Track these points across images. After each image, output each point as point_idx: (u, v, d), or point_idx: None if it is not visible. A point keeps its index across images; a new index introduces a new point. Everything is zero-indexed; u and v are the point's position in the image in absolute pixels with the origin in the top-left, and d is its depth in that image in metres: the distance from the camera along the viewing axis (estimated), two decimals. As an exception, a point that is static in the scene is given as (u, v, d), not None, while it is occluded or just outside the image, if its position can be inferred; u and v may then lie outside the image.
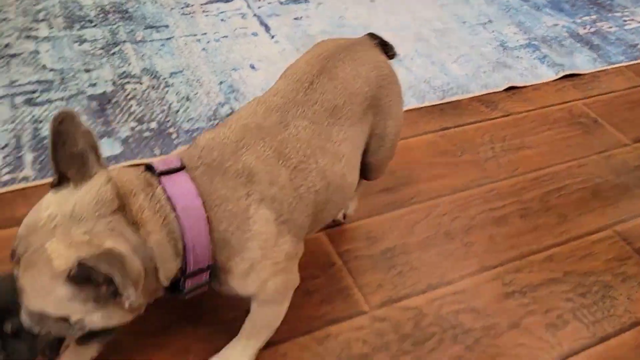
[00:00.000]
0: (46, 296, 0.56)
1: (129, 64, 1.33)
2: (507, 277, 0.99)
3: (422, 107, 1.34)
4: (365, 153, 0.86)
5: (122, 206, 0.58)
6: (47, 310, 0.57)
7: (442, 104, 1.36)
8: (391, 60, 1.49)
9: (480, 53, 1.55)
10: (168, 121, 1.19)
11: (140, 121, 1.18)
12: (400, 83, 0.88)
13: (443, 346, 0.87)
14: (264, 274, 0.68)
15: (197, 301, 0.87)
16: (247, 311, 0.78)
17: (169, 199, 0.61)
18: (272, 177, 0.67)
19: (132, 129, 1.16)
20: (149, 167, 0.65)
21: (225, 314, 0.86)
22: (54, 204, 0.58)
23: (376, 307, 0.91)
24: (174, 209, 0.61)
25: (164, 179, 0.62)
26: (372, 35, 0.87)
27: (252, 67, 1.39)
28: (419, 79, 1.42)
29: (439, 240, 1.04)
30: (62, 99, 1.21)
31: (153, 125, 1.18)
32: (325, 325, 0.88)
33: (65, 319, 0.58)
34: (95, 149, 0.61)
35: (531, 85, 1.46)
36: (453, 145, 1.25)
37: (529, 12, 1.78)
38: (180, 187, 0.62)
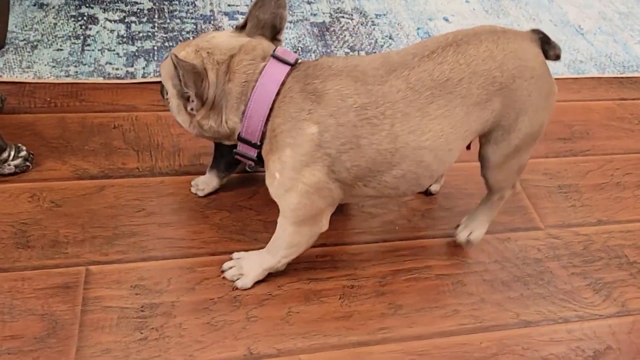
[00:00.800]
0: (166, 71, 0.82)
1: (342, 2, 1.55)
2: (673, 231, 1.08)
3: (602, 77, 1.43)
4: (484, 144, 0.85)
5: (233, 56, 0.77)
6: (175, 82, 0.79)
7: (622, 77, 1.44)
8: (575, 32, 1.55)
9: (664, 39, 1.59)
10: (374, 52, 1.40)
11: (352, 49, 1.40)
12: (552, 85, 0.81)
13: (609, 269, 1.00)
14: (288, 184, 0.77)
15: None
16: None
17: (261, 72, 0.77)
18: (338, 111, 0.74)
19: (346, 54, 1.38)
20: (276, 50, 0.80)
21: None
22: (217, 37, 0.80)
23: (550, 227, 1.06)
24: (256, 80, 0.76)
25: (272, 61, 0.77)
26: (536, 31, 0.82)
27: (446, 19, 1.55)
28: (600, 53, 1.50)
29: (611, 188, 1.15)
30: (290, 22, 1.46)
31: (362, 54, 1.39)
32: (506, 231, 1.04)
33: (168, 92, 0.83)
34: (275, 25, 0.81)
35: None
36: (630, 114, 1.33)
37: None
38: (275, 72, 0.76)
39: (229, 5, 1.49)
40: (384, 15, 1.53)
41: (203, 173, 1.05)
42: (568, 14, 1.64)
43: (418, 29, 1.50)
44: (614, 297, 0.95)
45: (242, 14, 1.45)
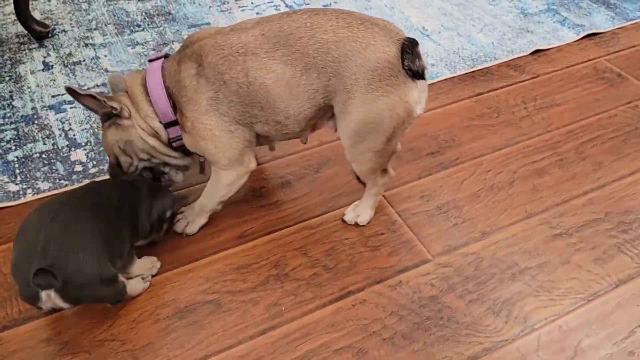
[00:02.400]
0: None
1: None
2: (553, 221, 1.08)
3: (454, 76, 1.43)
4: (334, 123, 0.95)
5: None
6: None
7: (473, 71, 1.45)
8: (421, 35, 1.58)
9: (502, 21, 1.63)
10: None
11: (200, 111, 1.30)
12: (395, 91, 0.85)
13: (503, 284, 0.97)
14: (200, 134, 0.93)
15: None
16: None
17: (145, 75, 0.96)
18: (203, 59, 0.91)
19: (194, 119, 1.27)
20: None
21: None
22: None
23: (438, 255, 1.02)
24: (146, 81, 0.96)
25: (149, 64, 0.96)
26: (408, 39, 0.87)
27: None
28: (448, 51, 1.51)
29: (486, 194, 1.13)
30: (126, 98, 1.33)
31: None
32: (396, 274, 0.98)
33: None
34: None
35: (555, 47, 1.54)
36: (488, 108, 1.34)
37: (544, -22, 1.85)
38: (153, 65, 0.96)
39: (52, 96, 1.32)
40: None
41: (49, 313, 0.90)
42: (411, 17, 1.65)
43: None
44: (515, 315, 0.93)
45: (69, 102, 1.30)
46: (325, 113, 0.95)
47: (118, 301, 0.87)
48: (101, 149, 1.19)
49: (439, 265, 1.00)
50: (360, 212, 1.06)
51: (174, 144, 0.98)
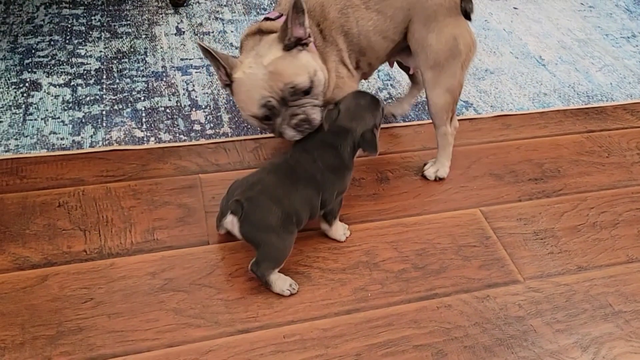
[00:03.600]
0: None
1: (300, 48, 1.51)
2: (655, 272, 1.04)
3: (567, 109, 1.41)
4: (412, 57, 1.12)
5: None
6: None
7: (587, 108, 1.42)
8: (536, 64, 1.54)
9: (624, 65, 1.58)
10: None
11: (312, 97, 1.35)
12: (456, 16, 1.06)
13: (594, 322, 0.94)
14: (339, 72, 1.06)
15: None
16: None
17: None
18: (324, 14, 1.04)
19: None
20: None
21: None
22: None
23: (530, 279, 1.00)
24: None
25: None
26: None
27: (406, 59, 1.52)
28: (564, 84, 1.49)
29: (587, 230, 1.10)
30: (246, 72, 1.41)
31: (323, 101, 1.34)
32: (485, 288, 0.98)
33: None
34: None
35: (678, 100, 1.48)
36: (599, 147, 1.31)
37: (674, 29, 1.77)
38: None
39: (181, 59, 1.43)
40: (343, 59, 1.50)
41: (157, 250, 0.97)
42: (528, 45, 1.63)
43: (378, 71, 1.47)
44: (603, 355, 0.90)
45: (195, 67, 1.39)
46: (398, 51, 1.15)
47: (275, 261, 0.92)
48: (219, 113, 1.27)
49: (530, 288, 0.99)
50: (439, 166, 1.19)
51: None
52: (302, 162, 0.96)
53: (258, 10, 1.64)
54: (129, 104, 1.27)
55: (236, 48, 1.46)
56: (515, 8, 1.81)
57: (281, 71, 0.93)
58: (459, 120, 1.33)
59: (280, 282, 0.93)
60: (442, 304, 0.95)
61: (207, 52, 0.96)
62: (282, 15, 1.02)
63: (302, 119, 0.96)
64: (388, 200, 1.13)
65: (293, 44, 0.95)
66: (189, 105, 1.29)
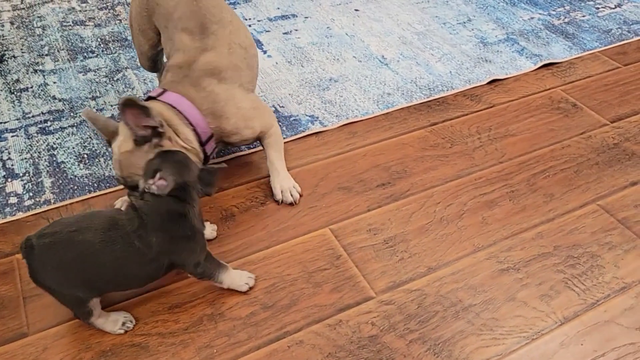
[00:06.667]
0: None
1: (133, 88, 1.42)
2: (501, 256, 1.06)
3: (410, 106, 1.42)
4: None
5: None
6: None
7: (429, 101, 1.44)
8: (379, 64, 1.56)
9: (461, 51, 1.63)
10: (174, 138, 1.28)
11: (148, 141, 1.27)
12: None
13: (446, 322, 0.94)
14: (248, 114, 1.11)
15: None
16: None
17: (176, 109, 1.04)
18: (219, 70, 1.09)
19: (141, 148, 1.24)
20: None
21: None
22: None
23: (382, 292, 0.98)
24: (177, 114, 1.04)
25: (170, 94, 1.05)
26: None
27: (248, 81, 1.47)
28: (406, 80, 1.51)
29: (435, 227, 1.11)
30: (73, 125, 1.29)
31: (160, 143, 1.26)
32: (337, 313, 0.95)
33: None
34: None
35: (512, 77, 1.54)
36: (442, 138, 1.33)
37: (505, 8, 1.86)
38: (174, 96, 1.05)
39: None
40: (181, 92, 1.42)
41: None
42: (370, 46, 1.65)
43: (220, 99, 1.41)
44: (456, 356, 0.89)
45: (11, 131, 1.25)
46: None
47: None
48: (40, 179, 1.15)
49: (382, 302, 0.97)
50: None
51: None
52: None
53: (85, 54, 1.53)
54: None
55: (59, 100, 1.35)
56: (356, 10, 1.82)
57: (127, 165, 0.96)
58: (304, 137, 1.31)
59: (110, 324, 0.88)
60: (293, 341, 0.91)
61: (92, 119, 0.99)
62: (165, 91, 1.05)
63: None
64: (234, 239, 1.07)
65: (144, 139, 0.94)
66: (4, 176, 1.16)
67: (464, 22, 1.78)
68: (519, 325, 0.94)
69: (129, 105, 0.90)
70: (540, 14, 1.83)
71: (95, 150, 1.23)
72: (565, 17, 1.82)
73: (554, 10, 1.85)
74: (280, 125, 1.32)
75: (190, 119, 1.02)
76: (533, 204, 1.17)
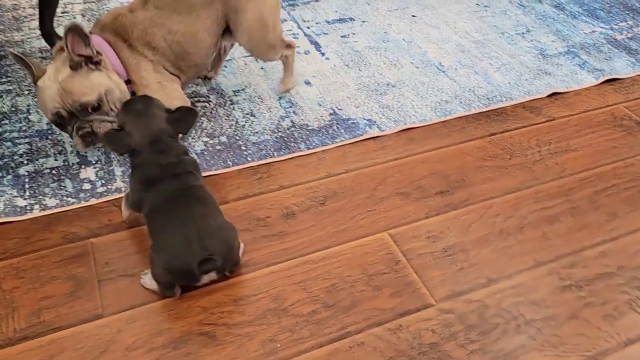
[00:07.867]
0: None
1: (197, 84, 1.45)
2: (563, 272, 1.05)
3: (468, 115, 1.42)
4: (233, 35, 1.28)
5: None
6: None
7: (487, 111, 1.44)
8: (436, 71, 1.57)
9: (520, 62, 1.62)
10: (236, 135, 1.30)
11: (211, 136, 1.30)
12: None
13: (507, 336, 0.94)
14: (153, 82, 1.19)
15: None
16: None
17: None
18: (128, 33, 1.17)
19: (205, 143, 1.27)
20: None
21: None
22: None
23: (442, 300, 0.99)
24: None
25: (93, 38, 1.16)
26: None
27: (307, 82, 1.49)
28: (464, 89, 1.50)
29: (495, 238, 1.11)
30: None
31: (223, 139, 1.29)
32: (397, 317, 0.96)
33: None
34: None
35: (572, 91, 1.52)
36: (501, 149, 1.32)
37: (565, 20, 1.84)
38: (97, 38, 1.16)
39: (67, 112, 1.34)
40: (243, 90, 1.45)
41: (44, 334, 0.89)
42: (428, 52, 1.65)
43: (280, 98, 1.43)
44: (517, 370, 0.90)
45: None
46: (223, 36, 1.28)
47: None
48: (111, 167, 1.20)
49: (442, 311, 0.97)
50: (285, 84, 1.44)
51: None
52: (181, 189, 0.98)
53: None
54: (10, 171, 1.18)
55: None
56: (413, 16, 1.82)
57: (70, 89, 1.07)
58: (361, 141, 1.32)
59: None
60: (354, 342, 0.92)
61: (19, 59, 1.09)
62: (92, 34, 1.15)
63: (87, 132, 1.10)
64: (295, 237, 1.09)
65: (78, 64, 1.06)
66: (78, 162, 1.21)
67: (523, 33, 1.76)
68: (582, 344, 0.93)
69: (73, 30, 1.02)
70: (602, 27, 1.80)
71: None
72: (629, 32, 1.78)
73: (616, 25, 1.82)
74: (338, 128, 1.34)
75: (109, 58, 1.14)
76: (595, 221, 1.15)
